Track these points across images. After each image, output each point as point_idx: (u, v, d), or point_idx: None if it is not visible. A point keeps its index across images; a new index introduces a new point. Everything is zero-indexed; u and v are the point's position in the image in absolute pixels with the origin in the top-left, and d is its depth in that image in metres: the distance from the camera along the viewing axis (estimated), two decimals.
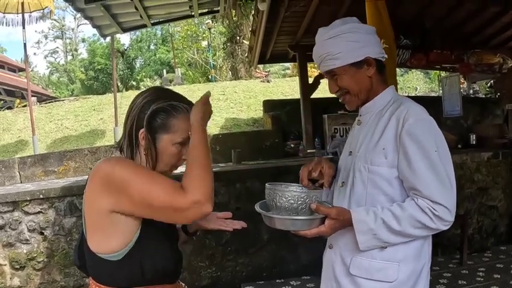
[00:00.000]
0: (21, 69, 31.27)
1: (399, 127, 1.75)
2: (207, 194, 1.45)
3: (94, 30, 6.11)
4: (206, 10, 6.66)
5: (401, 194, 1.79)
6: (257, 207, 1.81)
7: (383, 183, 1.80)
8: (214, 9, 6.57)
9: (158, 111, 1.58)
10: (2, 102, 20.87)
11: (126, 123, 1.63)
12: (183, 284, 1.83)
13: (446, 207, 1.68)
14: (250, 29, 9.35)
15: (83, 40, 49.80)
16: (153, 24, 6.29)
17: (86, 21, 5.86)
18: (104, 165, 1.52)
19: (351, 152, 1.95)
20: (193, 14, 6.14)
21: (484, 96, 12.31)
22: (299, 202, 1.68)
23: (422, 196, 1.69)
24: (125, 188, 1.46)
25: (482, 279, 4.65)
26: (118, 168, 1.48)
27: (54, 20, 46.61)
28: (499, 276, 4.70)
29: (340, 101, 1.97)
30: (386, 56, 1.93)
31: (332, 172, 1.97)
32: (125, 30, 6.12)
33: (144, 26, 6.23)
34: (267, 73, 20.11)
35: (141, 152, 1.61)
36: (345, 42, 1.82)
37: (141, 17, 5.63)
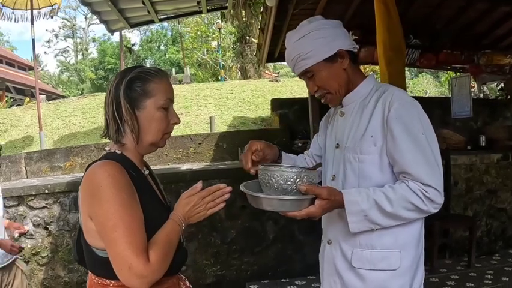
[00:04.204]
0: (31, 68, 31.37)
1: (386, 112, 1.77)
2: (160, 276, 1.44)
3: (105, 30, 6.16)
4: (213, 7, 6.63)
5: (393, 182, 1.78)
6: (242, 187, 1.70)
7: (374, 172, 1.80)
8: (223, 5, 6.55)
9: (133, 81, 1.54)
10: (12, 100, 20.98)
11: (107, 110, 1.58)
12: (183, 277, 1.75)
13: (436, 189, 1.68)
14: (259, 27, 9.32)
15: (94, 40, 50.29)
16: (161, 20, 6.27)
17: (96, 20, 5.88)
18: (98, 171, 1.46)
19: (338, 144, 1.95)
20: (201, 9, 6.12)
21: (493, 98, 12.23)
22: (289, 182, 1.61)
23: (412, 179, 1.69)
24: (98, 203, 1.42)
25: (490, 282, 4.59)
26: (106, 183, 1.42)
27: (65, 19, 47.00)
28: (507, 279, 4.64)
29: (322, 101, 1.97)
30: (357, 46, 1.94)
31: (268, 148, 1.93)
32: (132, 25, 6.11)
33: (152, 21, 6.22)
34: (276, 74, 20.11)
35: (127, 132, 1.57)
36: (314, 40, 1.82)
37: (148, 12, 5.62)
